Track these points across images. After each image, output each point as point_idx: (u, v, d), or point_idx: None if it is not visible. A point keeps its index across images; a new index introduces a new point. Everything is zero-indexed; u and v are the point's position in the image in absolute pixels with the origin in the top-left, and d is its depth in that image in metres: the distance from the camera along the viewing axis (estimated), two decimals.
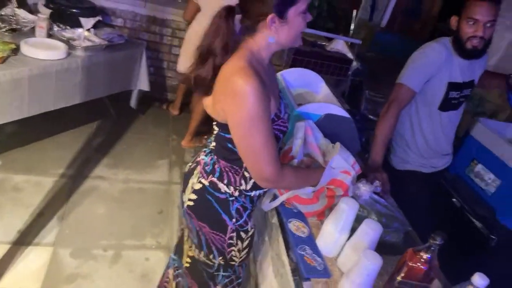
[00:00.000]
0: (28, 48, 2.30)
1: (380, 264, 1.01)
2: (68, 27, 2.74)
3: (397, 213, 1.37)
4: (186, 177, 1.28)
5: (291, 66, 2.01)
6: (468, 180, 2.09)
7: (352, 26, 3.49)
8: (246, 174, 1.18)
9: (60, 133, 2.95)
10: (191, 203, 1.22)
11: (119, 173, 2.78)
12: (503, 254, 1.84)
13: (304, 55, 2.08)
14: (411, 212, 1.61)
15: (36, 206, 2.32)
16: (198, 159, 1.27)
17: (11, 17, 2.61)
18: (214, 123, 1.17)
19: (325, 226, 1.22)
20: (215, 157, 1.20)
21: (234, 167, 1.18)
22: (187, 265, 1.39)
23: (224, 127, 1.11)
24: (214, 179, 1.19)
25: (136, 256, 2.22)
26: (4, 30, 2.45)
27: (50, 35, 2.58)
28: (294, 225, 1.31)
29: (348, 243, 1.18)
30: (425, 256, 0.95)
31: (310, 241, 1.26)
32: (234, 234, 1.22)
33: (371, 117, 2.48)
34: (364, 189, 1.34)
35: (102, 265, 2.10)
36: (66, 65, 2.43)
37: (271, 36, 1.06)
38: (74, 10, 2.82)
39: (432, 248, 0.94)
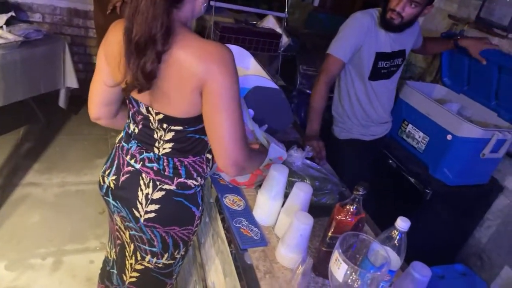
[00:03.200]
0: None
1: (311, 223, 1.01)
2: None
3: (331, 175, 1.39)
4: (123, 192, 1.14)
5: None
6: (401, 141, 2.18)
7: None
8: (208, 155, 1.13)
9: None
10: (153, 215, 1.10)
11: (53, 178, 2.60)
12: (438, 204, 1.93)
13: (231, 31, 2.04)
14: (350, 177, 1.64)
15: None
16: (132, 168, 1.13)
17: None
18: (165, 125, 1.05)
19: (259, 195, 1.21)
20: (175, 159, 1.10)
21: (200, 156, 1.12)
22: (134, 279, 1.28)
23: (192, 121, 1.03)
24: (182, 180, 1.10)
25: (79, 260, 2.09)
26: None
27: None
28: (230, 200, 1.28)
29: (282, 209, 1.17)
30: (351, 208, 0.96)
31: (246, 213, 1.24)
32: (199, 220, 1.18)
33: (308, 91, 2.50)
34: (296, 155, 1.33)
35: (41, 274, 1.97)
36: None
37: (204, 2, 1.01)
38: None
39: (357, 200, 0.95)
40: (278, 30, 2.34)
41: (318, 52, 2.81)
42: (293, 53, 2.54)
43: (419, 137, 2.05)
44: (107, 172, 1.20)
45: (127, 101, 1.14)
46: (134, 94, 1.07)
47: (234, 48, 1.87)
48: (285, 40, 2.38)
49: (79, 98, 3.29)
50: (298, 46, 2.62)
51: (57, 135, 3.03)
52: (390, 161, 2.13)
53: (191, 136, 1.08)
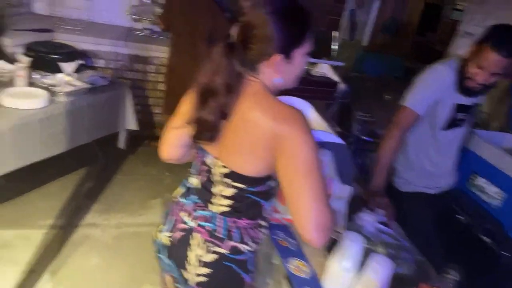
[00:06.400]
0: (7, 99, 2.24)
1: None
2: (48, 74, 2.70)
3: (405, 242, 1.31)
4: (176, 249, 1.13)
5: (277, 95, 1.98)
6: (470, 194, 2.04)
7: (335, 47, 3.52)
8: (262, 222, 1.12)
9: (48, 183, 2.85)
10: (203, 279, 1.07)
11: (111, 218, 2.68)
12: None
13: None
14: (418, 236, 1.55)
15: (27, 263, 2.21)
16: (185, 226, 1.13)
17: None
18: (228, 180, 1.06)
19: (331, 265, 1.15)
20: (229, 219, 1.08)
21: (255, 220, 1.11)
22: None
23: (256, 181, 1.03)
24: (235, 244, 1.08)
25: None
26: None
27: (30, 84, 2.53)
28: (293, 265, 1.23)
29: (357, 283, 1.10)
30: None
31: (314, 282, 1.18)
32: (250, 287, 1.15)
33: (364, 137, 2.44)
34: (368, 219, 1.27)
35: None
36: (49, 113, 2.37)
37: (277, 77, 1.01)
38: (54, 56, 2.79)
39: (451, 285, 0.87)
40: (333, 76, 2.33)
41: (372, 97, 2.77)
42: (348, 100, 2.51)
43: (492, 192, 1.91)
44: (161, 227, 1.21)
45: (195, 149, 1.18)
46: (204, 144, 1.10)
47: (293, 99, 1.87)
48: (340, 87, 2.36)
49: (136, 138, 3.43)
50: (352, 92, 2.60)
51: (114, 175, 3.14)
52: (458, 216, 1.99)
53: (249, 196, 1.07)
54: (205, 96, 1.02)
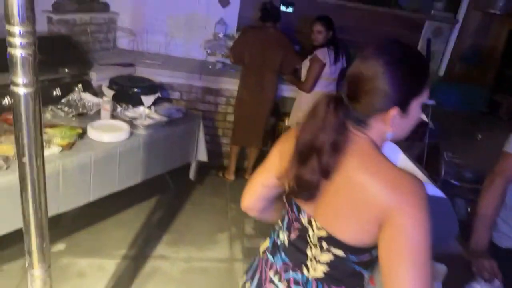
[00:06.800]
0: (93, 132, 2.35)
1: None
2: (130, 106, 2.81)
3: None
4: None
5: None
6: None
7: None
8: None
9: (122, 211, 2.93)
10: None
11: (180, 251, 2.66)
12: None
13: None
14: None
15: None
16: None
17: (77, 101, 2.73)
18: (326, 245, 0.96)
19: None
20: (326, 286, 0.98)
21: None
22: None
23: (359, 251, 0.92)
24: None
25: None
26: (71, 115, 2.54)
27: (113, 116, 2.64)
28: None
29: None
30: None
31: None
32: None
33: (454, 182, 2.21)
34: None
35: None
36: (129, 145, 2.44)
37: (390, 131, 0.91)
38: (135, 90, 2.91)
39: None
40: (423, 116, 2.16)
41: (460, 136, 2.54)
42: (437, 141, 2.32)
43: None
44: (247, 285, 1.13)
45: (286, 204, 1.08)
46: (299, 200, 1.01)
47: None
48: (429, 126, 2.19)
49: (203, 168, 3.46)
50: (440, 131, 2.39)
51: (184, 204, 3.16)
52: None
53: (351, 265, 0.95)
54: (307, 153, 0.93)
